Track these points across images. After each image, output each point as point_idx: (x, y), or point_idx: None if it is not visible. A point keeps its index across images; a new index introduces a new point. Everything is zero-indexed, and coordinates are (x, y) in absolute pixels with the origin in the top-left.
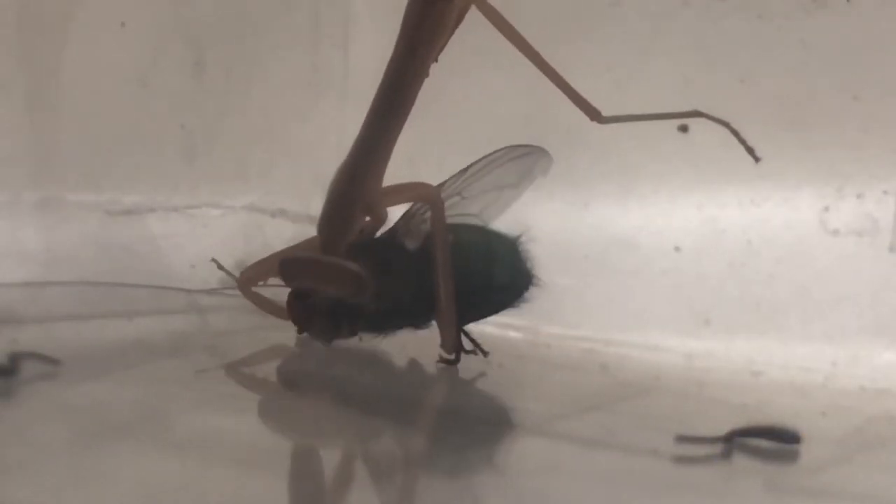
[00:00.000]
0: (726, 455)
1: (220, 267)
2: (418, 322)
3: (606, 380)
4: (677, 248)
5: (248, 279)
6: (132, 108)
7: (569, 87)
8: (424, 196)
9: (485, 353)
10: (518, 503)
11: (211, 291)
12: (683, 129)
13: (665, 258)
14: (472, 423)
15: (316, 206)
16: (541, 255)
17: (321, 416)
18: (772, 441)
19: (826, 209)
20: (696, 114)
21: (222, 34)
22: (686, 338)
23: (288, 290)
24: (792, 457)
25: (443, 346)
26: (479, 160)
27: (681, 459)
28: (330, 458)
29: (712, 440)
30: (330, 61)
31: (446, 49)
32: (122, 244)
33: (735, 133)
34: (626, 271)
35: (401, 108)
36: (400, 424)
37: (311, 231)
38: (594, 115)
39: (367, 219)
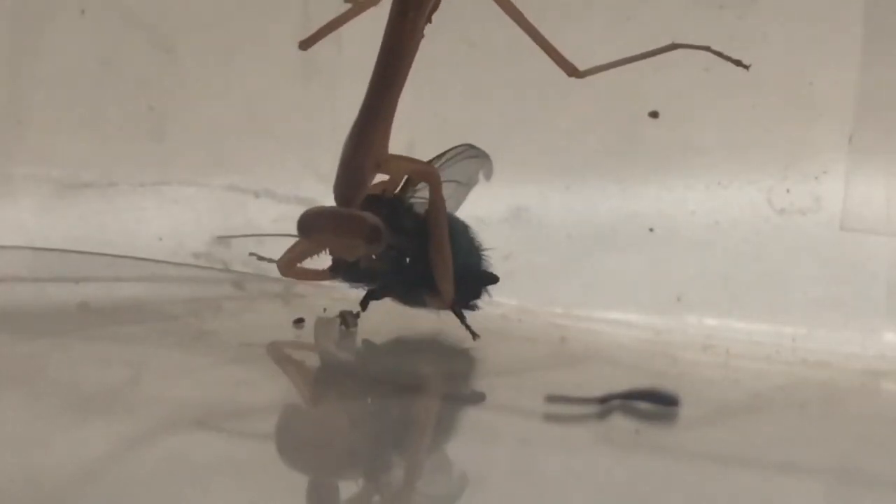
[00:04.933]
0: (603, 416)
1: (261, 258)
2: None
3: (567, 353)
4: (651, 229)
5: (287, 263)
6: (94, 90)
7: (547, 43)
8: (427, 175)
9: (475, 336)
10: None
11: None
12: (654, 115)
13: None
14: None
15: (306, 189)
16: (525, 235)
17: (276, 385)
18: (651, 403)
19: (788, 191)
20: (673, 46)
21: (197, 24)
22: (658, 314)
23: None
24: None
25: (442, 297)
26: (445, 152)
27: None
28: (283, 427)
29: (585, 401)
30: (323, 51)
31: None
32: (78, 216)
33: (718, 53)
34: (604, 251)
35: (399, 69)
36: (350, 396)
37: (299, 212)
38: (572, 70)
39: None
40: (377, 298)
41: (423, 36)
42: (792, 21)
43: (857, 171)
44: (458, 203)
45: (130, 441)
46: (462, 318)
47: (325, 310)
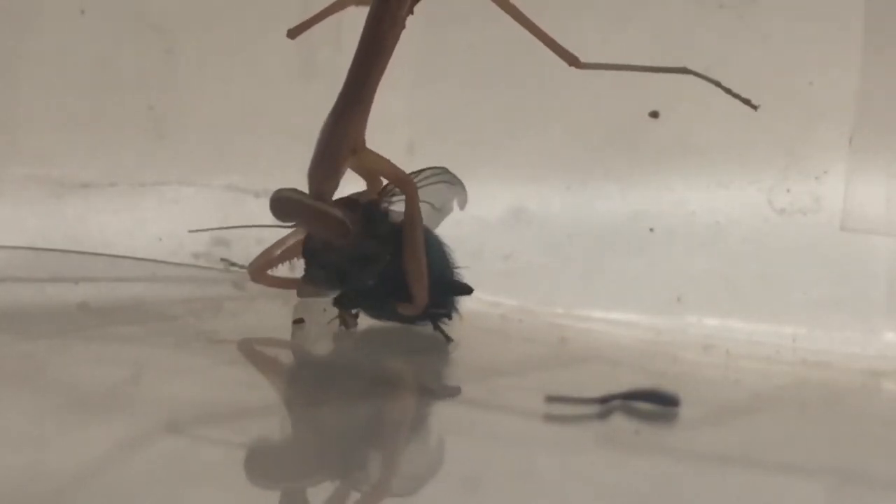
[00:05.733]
0: (603, 416)
1: (232, 263)
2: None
3: (567, 353)
4: (651, 230)
5: (258, 268)
6: (93, 90)
7: (544, 34)
8: (404, 183)
9: (448, 339)
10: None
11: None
12: (654, 115)
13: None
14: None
15: (306, 189)
16: (525, 235)
17: (276, 385)
18: (652, 404)
19: (788, 191)
20: (685, 70)
21: (197, 24)
22: (658, 314)
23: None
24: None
25: (413, 302)
26: (422, 170)
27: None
28: (283, 428)
29: (585, 401)
30: (323, 51)
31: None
32: (78, 216)
33: (727, 90)
34: (604, 251)
35: (378, 59)
36: (351, 396)
37: None
38: (572, 60)
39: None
40: (348, 308)
41: (404, 27)
42: (792, 21)
43: (857, 171)
44: (433, 228)
45: (130, 441)
46: (436, 324)
47: (325, 310)
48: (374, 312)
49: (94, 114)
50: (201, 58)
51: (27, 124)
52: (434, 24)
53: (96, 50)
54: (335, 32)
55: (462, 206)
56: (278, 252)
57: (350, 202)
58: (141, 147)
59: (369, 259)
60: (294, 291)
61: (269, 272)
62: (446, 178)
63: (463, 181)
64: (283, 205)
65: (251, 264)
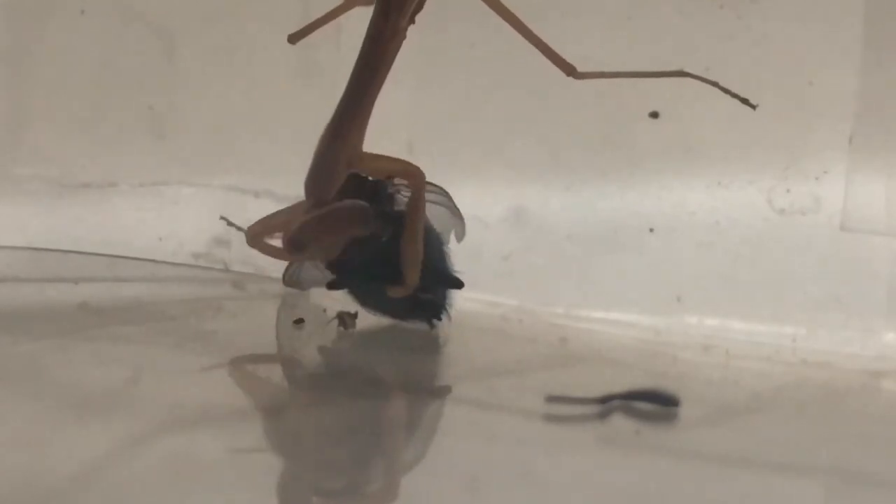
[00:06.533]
0: (603, 416)
1: (230, 223)
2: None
3: (567, 353)
4: (651, 230)
5: (256, 233)
6: (93, 90)
7: (542, 42)
8: (411, 174)
9: (431, 326)
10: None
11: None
12: (654, 115)
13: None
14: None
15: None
16: (525, 235)
17: (276, 385)
18: (651, 404)
19: (788, 191)
20: (682, 73)
21: (197, 24)
22: (657, 315)
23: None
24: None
25: (403, 283)
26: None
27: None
28: (283, 428)
29: (585, 401)
30: (323, 51)
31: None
32: (78, 216)
33: (725, 90)
34: (604, 251)
35: (378, 70)
36: (351, 397)
37: None
38: (569, 70)
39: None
40: (339, 289)
41: (405, 37)
42: (792, 21)
43: (857, 171)
44: None
45: (130, 441)
46: (421, 312)
47: (324, 310)
48: (364, 298)
49: (94, 114)
50: (201, 58)
51: (27, 124)
52: (434, 24)
53: (96, 50)
54: (335, 33)
55: (459, 238)
56: (278, 220)
57: (357, 180)
58: (141, 147)
59: (367, 235)
60: (293, 291)
61: (267, 240)
62: (449, 205)
63: (463, 181)
64: (300, 236)
65: (250, 228)
